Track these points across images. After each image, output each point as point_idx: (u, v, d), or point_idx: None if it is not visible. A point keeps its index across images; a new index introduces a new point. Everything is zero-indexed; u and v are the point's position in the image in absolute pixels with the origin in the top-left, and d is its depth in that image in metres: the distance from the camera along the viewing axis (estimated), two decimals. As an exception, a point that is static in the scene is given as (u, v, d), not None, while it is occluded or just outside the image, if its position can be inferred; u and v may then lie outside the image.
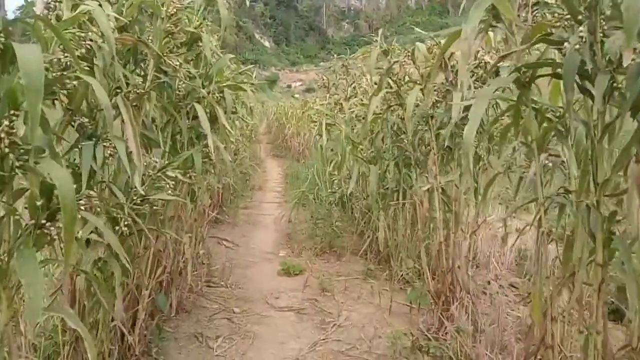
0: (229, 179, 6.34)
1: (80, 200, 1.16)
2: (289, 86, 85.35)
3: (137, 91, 1.82)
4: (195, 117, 2.33)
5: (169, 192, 1.80)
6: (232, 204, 7.00)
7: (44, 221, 1.09)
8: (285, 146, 15.35)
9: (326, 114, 3.52)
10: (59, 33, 1.18)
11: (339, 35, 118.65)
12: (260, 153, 14.90)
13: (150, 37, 1.98)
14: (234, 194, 7.29)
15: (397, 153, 3.79)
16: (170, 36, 1.95)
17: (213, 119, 2.35)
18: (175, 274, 3.15)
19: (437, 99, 2.85)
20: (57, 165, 1.03)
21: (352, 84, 6.41)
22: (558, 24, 1.57)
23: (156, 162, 1.81)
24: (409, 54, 2.84)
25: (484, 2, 1.35)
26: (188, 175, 2.34)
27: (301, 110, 13.77)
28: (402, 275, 3.86)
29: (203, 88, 2.25)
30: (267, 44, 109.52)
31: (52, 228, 1.08)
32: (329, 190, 5.27)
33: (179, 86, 2.21)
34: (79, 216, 1.16)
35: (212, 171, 2.60)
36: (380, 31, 3.10)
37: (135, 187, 1.69)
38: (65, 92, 1.51)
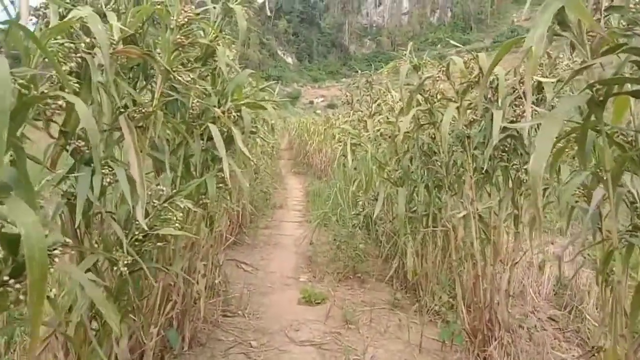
0: (248, 199, 6.16)
1: (55, 249, 0.94)
2: (311, 102, 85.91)
3: (143, 110, 1.62)
4: (211, 138, 2.13)
5: (177, 224, 1.58)
6: (252, 224, 6.80)
7: (6, 277, 0.88)
8: (307, 163, 15.17)
9: (351, 133, 3.29)
10: (39, 43, 0.99)
11: (360, 52, 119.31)
12: (281, 169, 14.76)
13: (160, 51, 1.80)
14: (254, 213, 7.10)
15: (427, 175, 3.53)
16: (180, 49, 1.75)
17: (229, 141, 2.14)
18: (188, 305, 2.93)
19: (474, 117, 2.59)
20: (25, 207, 0.82)
21: (376, 101, 6.20)
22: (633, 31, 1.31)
23: (162, 190, 1.60)
24: (443, 68, 2.60)
25: (553, 4, 1.11)
26: (201, 202, 2.12)
27: (323, 127, 13.60)
28: (432, 307, 3.56)
29: (219, 107, 2.05)
30: (289, 60, 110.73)
31: (17, 286, 0.87)
32: (353, 212, 5.01)
33: (193, 105, 2.01)
34: (52, 270, 0.94)
35: (228, 198, 2.38)
36: (410, 45, 2.87)
37: (137, 221, 1.48)
38: (58, 113, 1.31)
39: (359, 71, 6.87)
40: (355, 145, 3.32)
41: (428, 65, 2.78)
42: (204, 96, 2.09)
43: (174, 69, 1.68)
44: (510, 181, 2.75)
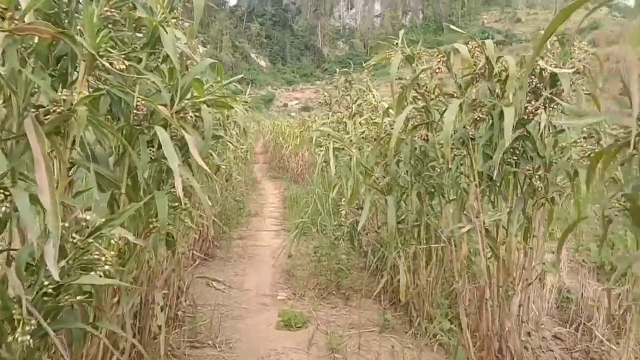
0: (218, 210, 5.69)
1: None
2: (285, 105, 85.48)
3: (60, 109, 1.17)
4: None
5: (108, 265, 1.14)
6: (224, 234, 6.32)
7: None
8: (283, 167, 14.71)
9: (333, 137, 2.89)
10: None
11: (334, 54, 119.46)
12: (256, 174, 14.27)
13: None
14: (227, 223, 6.61)
15: (419, 181, 3.14)
16: (111, 27, 1.30)
17: (188, 147, 1.70)
18: (146, 342, 2.46)
19: (481, 115, 2.20)
20: None
21: (356, 101, 5.81)
22: None
23: (86, 219, 1.15)
24: (444, 59, 2.20)
25: None
26: (152, 227, 1.67)
27: (299, 130, 13.18)
28: (428, 330, 3.18)
29: (172, 105, 1.60)
30: (263, 63, 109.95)
31: None
32: (335, 222, 4.60)
33: (138, 104, 1.56)
34: None
35: (188, 218, 1.93)
36: (401, 32, 2.48)
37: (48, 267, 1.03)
38: None
39: (337, 70, 6.49)
40: (338, 150, 2.91)
41: (424, 56, 2.39)
42: (154, 92, 1.65)
43: (101, 54, 1.23)
44: (520, 189, 2.39)
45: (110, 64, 1.25)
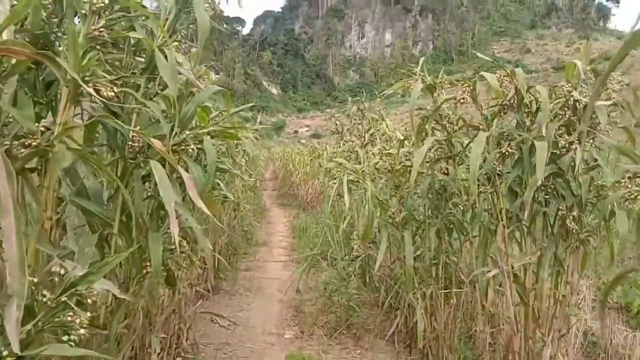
0: (225, 240, 5.51)
1: None
2: (296, 132, 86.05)
3: (37, 143, 1.01)
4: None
5: (83, 329, 0.95)
6: (231, 265, 6.11)
7: None
8: (292, 194, 14.54)
9: (348, 169, 2.71)
10: None
11: (344, 83, 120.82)
12: (265, 201, 14.11)
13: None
14: (234, 252, 6.41)
15: (439, 217, 2.94)
16: (99, 48, 1.15)
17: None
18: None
19: (510, 150, 2.02)
20: None
21: (369, 130, 5.67)
22: None
23: (62, 272, 0.98)
24: (469, 88, 2.03)
25: None
26: (145, 272, 1.49)
27: (309, 157, 13.06)
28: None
29: (173, 136, 1.45)
30: (274, 91, 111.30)
31: None
32: (346, 257, 4.39)
33: (134, 136, 1.40)
34: None
35: (183, 264, 1.75)
36: (421, 60, 2.32)
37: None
38: None
39: (350, 98, 6.38)
40: (352, 182, 2.74)
41: (446, 85, 2.24)
42: (153, 122, 1.50)
43: (87, 78, 1.07)
44: (551, 230, 2.18)
45: (97, 90, 1.09)
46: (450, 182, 2.59)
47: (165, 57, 1.26)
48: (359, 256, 4.03)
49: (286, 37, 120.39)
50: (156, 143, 1.20)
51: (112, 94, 1.12)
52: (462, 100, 2.02)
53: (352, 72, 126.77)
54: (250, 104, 2.66)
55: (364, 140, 5.60)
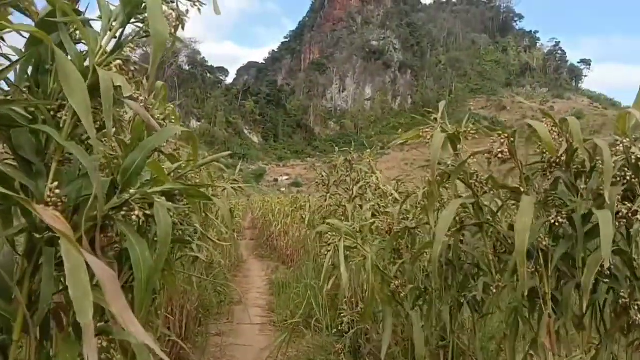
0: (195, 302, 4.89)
1: None
2: (276, 180, 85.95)
3: None
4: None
5: None
6: (200, 328, 5.44)
7: None
8: (271, 245, 13.88)
9: (346, 234, 2.24)
10: None
11: (325, 133, 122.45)
12: (242, 253, 13.42)
13: None
14: (205, 314, 5.76)
15: (447, 289, 2.46)
16: None
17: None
18: None
19: (560, 220, 1.58)
20: None
21: (357, 182, 5.25)
22: None
23: None
24: (508, 139, 1.60)
25: None
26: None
27: (290, 208, 12.54)
28: None
29: (114, 195, 0.96)
30: (255, 139, 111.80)
31: None
32: (332, 324, 3.83)
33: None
34: None
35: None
36: (442, 104, 1.91)
37: None
38: None
39: (337, 148, 5.99)
40: (349, 249, 2.26)
41: (470, 135, 1.80)
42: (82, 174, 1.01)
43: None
44: (602, 321, 1.71)
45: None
46: (468, 253, 2.12)
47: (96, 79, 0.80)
48: (349, 329, 3.48)
49: (269, 88, 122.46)
50: (41, 210, 0.71)
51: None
52: (500, 155, 1.59)
53: (333, 123, 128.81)
54: (227, 153, 2.20)
55: (352, 193, 5.18)
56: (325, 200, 5.65)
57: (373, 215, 3.97)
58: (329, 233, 2.35)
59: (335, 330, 3.78)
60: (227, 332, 5.85)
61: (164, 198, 1.04)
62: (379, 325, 3.66)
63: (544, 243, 1.61)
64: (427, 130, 1.85)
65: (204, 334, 5.28)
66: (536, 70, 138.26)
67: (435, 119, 1.86)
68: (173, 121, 1.76)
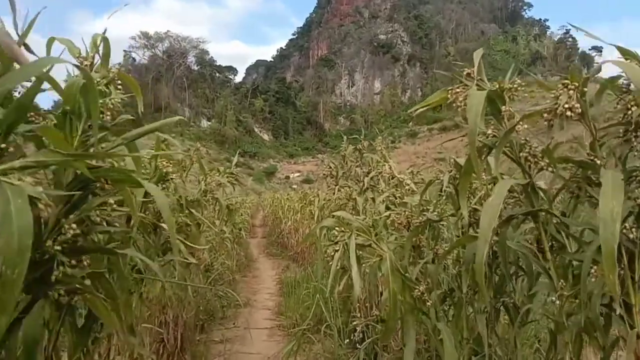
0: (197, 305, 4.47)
1: None
2: (287, 177, 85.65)
3: None
4: None
5: None
6: (203, 335, 5.03)
7: None
8: (282, 243, 13.50)
9: (359, 230, 1.80)
10: None
11: (335, 129, 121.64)
12: (252, 250, 13.05)
13: None
14: (208, 320, 5.36)
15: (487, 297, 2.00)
16: None
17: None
18: None
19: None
20: None
21: (369, 173, 4.79)
22: None
23: None
24: (576, 90, 1.11)
25: None
26: None
27: (300, 204, 12.14)
28: None
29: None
30: (266, 137, 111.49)
31: None
32: (345, 328, 3.38)
33: None
34: None
35: None
36: (477, 53, 1.42)
37: None
38: None
39: (345, 138, 5.52)
40: (362, 247, 1.81)
41: (519, 94, 1.31)
42: None
43: None
44: None
45: None
46: (511, 249, 1.65)
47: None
48: (363, 337, 3.02)
49: (278, 85, 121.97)
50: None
51: None
52: (570, 112, 1.10)
53: (343, 119, 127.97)
54: (176, 118, 1.77)
55: (363, 185, 4.72)
56: (334, 193, 5.20)
57: (387, 208, 3.52)
58: (337, 228, 1.90)
59: (348, 340, 3.33)
60: (232, 339, 5.43)
61: (30, 179, 0.61)
62: (397, 333, 3.21)
63: (631, 235, 1.14)
64: (457, 90, 1.38)
65: (205, 342, 4.87)
66: (547, 58, 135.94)
67: (468, 74, 1.39)
68: (120, 88, 1.33)
